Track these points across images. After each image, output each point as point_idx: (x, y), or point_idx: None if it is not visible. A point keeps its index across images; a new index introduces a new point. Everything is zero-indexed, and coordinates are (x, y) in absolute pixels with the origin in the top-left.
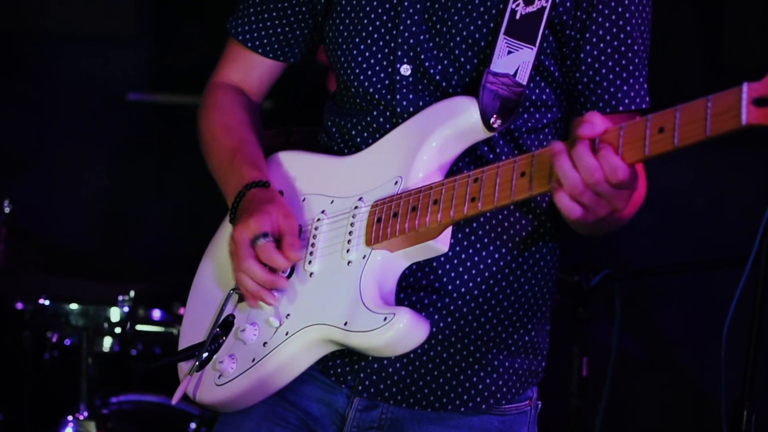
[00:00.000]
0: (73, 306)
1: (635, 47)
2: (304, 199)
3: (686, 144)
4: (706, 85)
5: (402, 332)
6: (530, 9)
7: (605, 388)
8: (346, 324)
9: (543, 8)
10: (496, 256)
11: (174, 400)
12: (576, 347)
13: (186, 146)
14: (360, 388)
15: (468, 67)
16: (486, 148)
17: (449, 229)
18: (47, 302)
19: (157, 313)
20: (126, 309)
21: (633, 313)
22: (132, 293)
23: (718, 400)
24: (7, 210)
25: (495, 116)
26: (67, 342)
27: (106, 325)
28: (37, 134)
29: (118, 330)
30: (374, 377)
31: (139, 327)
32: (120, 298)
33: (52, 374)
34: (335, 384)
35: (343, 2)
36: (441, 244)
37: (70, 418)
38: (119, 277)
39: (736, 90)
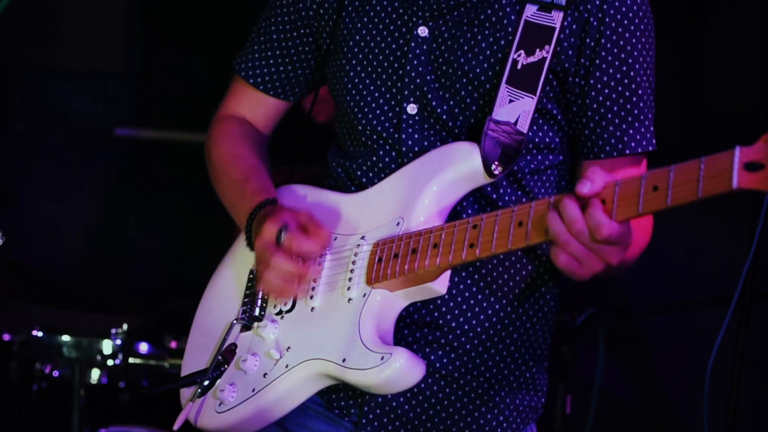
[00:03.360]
0: (66, 338)
1: (639, 91)
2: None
3: (678, 204)
4: (687, 127)
5: (398, 372)
6: (531, 59)
7: (588, 426)
8: (344, 361)
9: (544, 59)
10: (499, 294)
11: (176, 426)
12: (560, 385)
13: (172, 181)
14: (364, 421)
15: (473, 108)
16: (489, 189)
17: (448, 272)
18: (40, 333)
19: (144, 347)
20: (118, 342)
21: (616, 351)
22: (125, 326)
23: None
24: (0, 242)
25: (496, 163)
26: (56, 374)
27: (98, 357)
28: (25, 168)
29: (110, 362)
30: (378, 411)
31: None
32: (113, 330)
33: (40, 405)
34: (338, 418)
35: (351, 43)
36: (439, 286)
37: None
38: (111, 310)
39: (728, 153)
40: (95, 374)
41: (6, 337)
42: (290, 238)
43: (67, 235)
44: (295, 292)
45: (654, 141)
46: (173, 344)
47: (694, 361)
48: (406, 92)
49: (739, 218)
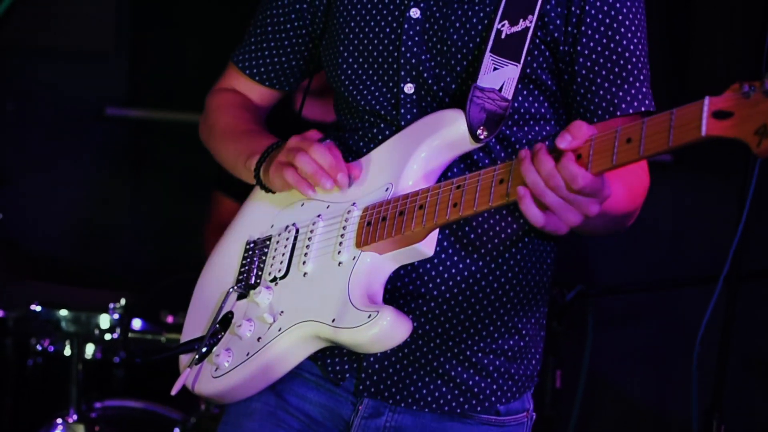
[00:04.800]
0: (64, 312)
1: (627, 54)
2: (302, 204)
3: (651, 154)
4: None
5: (385, 329)
6: (515, 29)
7: (577, 400)
8: (333, 321)
9: (527, 28)
10: (488, 259)
11: (173, 391)
12: (550, 360)
13: (162, 160)
14: (361, 387)
15: (466, 80)
16: (482, 154)
17: (435, 234)
18: (39, 308)
19: (137, 323)
20: (116, 316)
21: (605, 327)
22: (123, 301)
23: (688, 413)
24: None
25: (482, 128)
26: (51, 348)
27: (96, 331)
28: (16, 147)
29: (107, 336)
30: (375, 377)
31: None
32: (111, 305)
33: (36, 381)
34: (335, 385)
35: (346, 29)
36: (426, 247)
37: (59, 420)
38: (107, 285)
39: (698, 103)
40: (90, 349)
41: (0, 313)
42: (327, 146)
43: (58, 213)
44: (322, 180)
45: (648, 101)
46: (170, 319)
47: (682, 337)
48: (402, 73)
49: (727, 195)
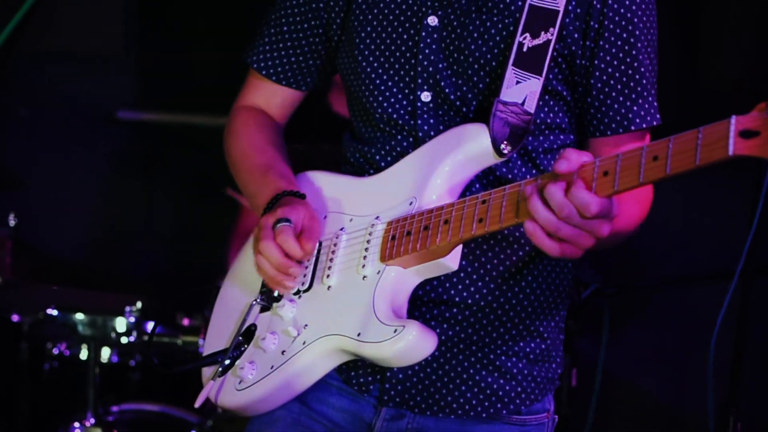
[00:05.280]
0: (81, 316)
1: (642, 69)
2: (325, 217)
3: (677, 172)
4: (683, 107)
5: (411, 344)
6: (536, 42)
7: (593, 398)
8: (359, 335)
9: (549, 41)
10: (512, 268)
11: (197, 404)
12: (566, 358)
13: (174, 162)
14: (386, 397)
15: (484, 92)
16: (504, 169)
17: (459, 248)
18: (55, 312)
19: (151, 326)
20: (132, 319)
21: (621, 325)
22: (139, 304)
23: (704, 410)
24: (12, 223)
25: (505, 142)
26: (67, 352)
27: (112, 335)
28: (29, 152)
29: (123, 340)
30: (399, 387)
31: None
32: (127, 308)
33: (51, 385)
34: (359, 394)
35: (363, 34)
36: (451, 262)
37: (77, 424)
38: (123, 289)
39: (724, 122)
40: (106, 353)
41: (15, 318)
42: (280, 231)
43: (70, 217)
44: (281, 284)
45: (658, 116)
46: (185, 321)
47: (697, 334)
48: (419, 80)
49: (742, 191)
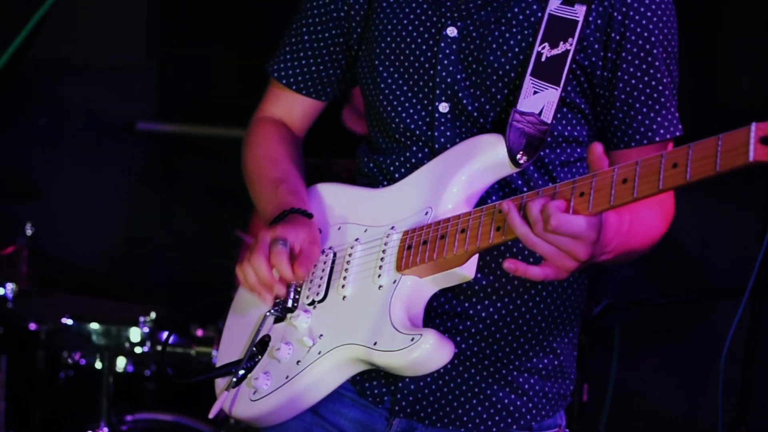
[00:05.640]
0: (95, 325)
1: (665, 80)
2: (339, 228)
3: (698, 179)
4: (698, 123)
5: (428, 352)
6: (555, 52)
7: (603, 414)
8: (375, 344)
9: (567, 51)
10: (528, 284)
11: (211, 414)
12: (577, 373)
13: (193, 173)
14: (397, 408)
15: (502, 102)
16: (520, 182)
17: (475, 258)
18: (70, 321)
19: (166, 335)
20: (146, 330)
21: (632, 341)
22: (153, 314)
23: (714, 426)
24: (29, 233)
25: (521, 153)
26: (83, 362)
27: (126, 344)
28: (49, 162)
29: (138, 350)
30: (411, 398)
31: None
32: (141, 319)
33: (67, 393)
34: (372, 405)
35: (382, 44)
36: (467, 271)
37: None
38: (138, 299)
39: (745, 129)
40: (121, 362)
41: (32, 326)
42: (277, 252)
43: (90, 227)
44: (261, 295)
45: (680, 126)
46: (199, 332)
47: (708, 350)
48: (437, 91)
49: (755, 208)
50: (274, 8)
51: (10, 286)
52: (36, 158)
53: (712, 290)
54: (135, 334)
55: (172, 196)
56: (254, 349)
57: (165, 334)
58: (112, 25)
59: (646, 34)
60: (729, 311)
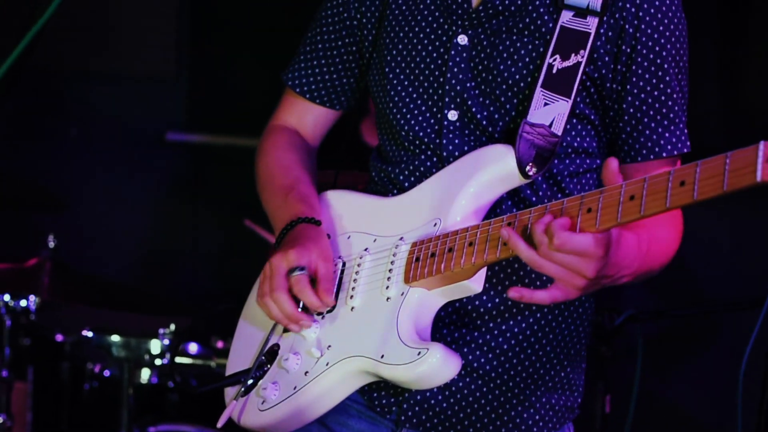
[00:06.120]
0: (115, 338)
1: (674, 95)
2: (349, 237)
3: (705, 197)
4: (727, 129)
5: (434, 367)
6: (566, 64)
7: (627, 426)
8: (382, 357)
9: (579, 63)
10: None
11: (219, 423)
12: (599, 385)
13: (222, 184)
14: (403, 418)
15: (511, 113)
16: (529, 192)
17: (483, 271)
18: (90, 334)
19: (193, 347)
20: (166, 342)
21: (655, 352)
22: (172, 326)
23: None
24: (51, 245)
25: (531, 164)
26: (107, 373)
27: (146, 356)
28: (78, 172)
29: (158, 362)
30: (417, 408)
31: (176, 360)
32: (161, 331)
33: (91, 404)
34: (380, 416)
35: (394, 52)
36: (475, 284)
37: None
38: (159, 311)
39: (753, 148)
40: (145, 374)
41: (59, 337)
42: (298, 281)
43: (119, 237)
44: (287, 325)
45: (688, 143)
46: (220, 344)
47: (732, 360)
48: (447, 99)
49: None
50: (303, 20)
51: (33, 298)
52: (64, 169)
53: (734, 301)
54: (155, 346)
55: (202, 207)
56: (263, 358)
57: (192, 346)
58: (142, 37)
59: (657, 48)
60: (754, 321)
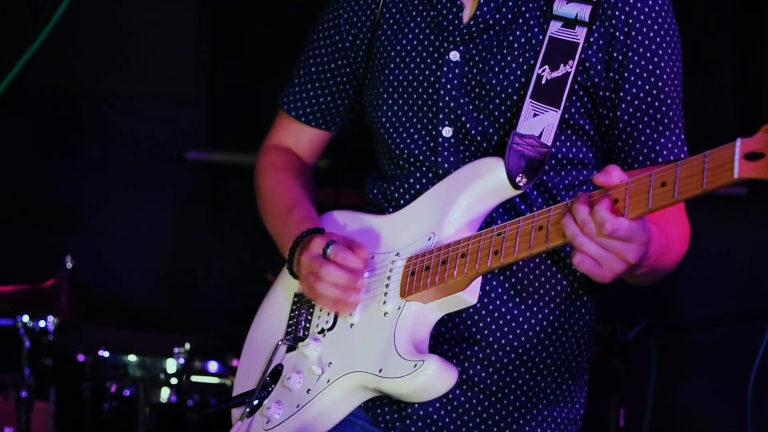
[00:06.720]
0: (131, 357)
1: (668, 101)
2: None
3: (685, 197)
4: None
5: (431, 378)
6: (555, 74)
7: None
8: (381, 371)
9: (568, 73)
10: (535, 308)
11: None
12: (613, 398)
13: (243, 203)
14: None
15: (505, 126)
16: (523, 207)
17: (478, 282)
18: (106, 354)
19: (213, 365)
20: (182, 360)
21: (669, 364)
22: (187, 345)
23: None
24: (69, 265)
25: (521, 175)
26: (126, 392)
27: (162, 375)
28: (99, 192)
29: (173, 381)
30: (420, 424)
31: (196, 378)
32: (176, 350)
33: (111, 424)
34: (384, 431)
35: (386, 71)
36: (470, 295)
37: None
38: (175, 330)
39: (730, 145)
40: (165, 393)
41: (80, 357)
42: (336, 251)
43: (141, 256)
44: (347, 303)
45: (685, 149)
46: (235, 362)
47: (749, 374)
48: (441, 116)
49: None
50: None
51: (51, 318)
52: (83, 189)
53: (750, 312)
54: (171, 365)
55: (223, 226)
56: (267, 378)
57: (212, 364)
58: (162, 58)
59: (648, 55)
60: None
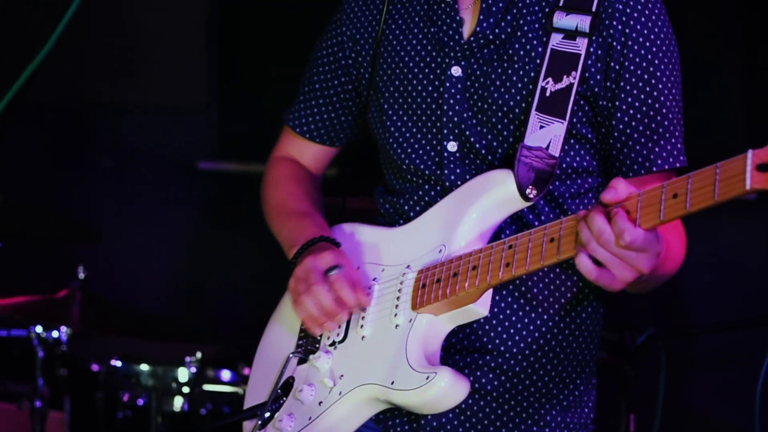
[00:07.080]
0: (144, 366)
1: (664, 110)
2: (358, 268)
3: (697, 209)
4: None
5: (443, 390)
6: (559, 86)
7: None
8: (392, 383)
9: (571, 84)
10: (545, 316)
11: None
12: (623, 404)
13: (255, 213)
14: None
15: (509, 139)
16: (531, 216)
17: (489, 294)
18: (119, 363)
19: (226, 374)
20: (193, 369)
21: (679, 370)
22: (199, 354)
23: None
24: (81, 276)
25: (531, 187)
26: (140, 402)
27: (174, 384)
28: (110, 202)
29: (186, 389)
30: None
31: (208, 387)
32: (187, 359)
33: None
34: None
35: (391, 88)
36: (481, 307)
37: None
38: (187, 339)
39: (741, 156)
40: (178, 402)
41: (94, 367)
42: (338, 278)
43: (153, 266)
44: (319, 325)
45: (683, 158)
46: (247, 371)
47: (756, 379)
48: (445, 131)
49: None
50: None
51: (64, 329)
52: (95, 200)
53: (758, 316)
54: (183, 374)
55: (234, 236)
56: (279, 391)
57: (225, 373)
58: (173, 69)
59: (644, 64)
60: None
